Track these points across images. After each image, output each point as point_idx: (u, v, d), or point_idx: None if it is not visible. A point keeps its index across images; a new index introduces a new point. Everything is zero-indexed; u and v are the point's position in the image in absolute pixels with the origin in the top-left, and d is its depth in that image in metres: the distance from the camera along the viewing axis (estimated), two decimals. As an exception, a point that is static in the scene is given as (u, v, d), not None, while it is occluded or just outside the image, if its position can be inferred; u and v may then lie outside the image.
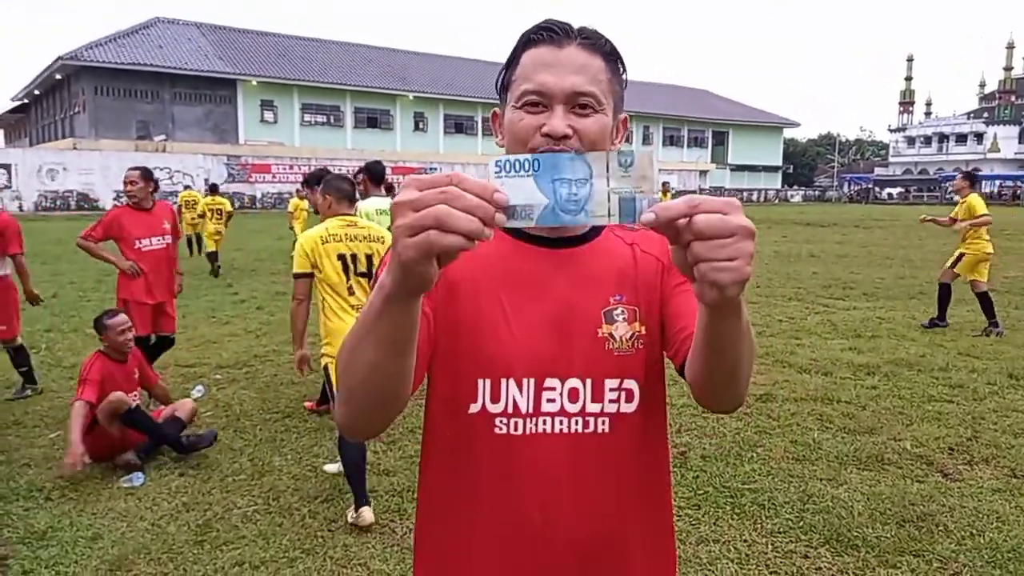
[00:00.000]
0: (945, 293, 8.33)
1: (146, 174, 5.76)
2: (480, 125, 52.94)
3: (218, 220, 13.82)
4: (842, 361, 6.69)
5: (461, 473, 1.13)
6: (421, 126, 50.89)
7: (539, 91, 1.06)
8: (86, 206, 36.45)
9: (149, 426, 4.38)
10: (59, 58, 39.62)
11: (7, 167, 35.22)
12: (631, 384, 1.11)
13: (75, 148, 38.05)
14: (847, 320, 8.77)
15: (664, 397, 1.18)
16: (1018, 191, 63.08)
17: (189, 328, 8.16)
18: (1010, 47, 77.95)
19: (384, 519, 3.67)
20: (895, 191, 71.59)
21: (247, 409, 5.43)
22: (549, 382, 1.08)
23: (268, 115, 45.09)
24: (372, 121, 48.94)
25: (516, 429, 1.08)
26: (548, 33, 1.08)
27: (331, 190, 4.02)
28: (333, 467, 4.23)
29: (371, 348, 0.86)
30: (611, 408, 1.10)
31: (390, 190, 8.85)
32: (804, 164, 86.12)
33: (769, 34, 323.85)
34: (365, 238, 3.87)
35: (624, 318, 1.11)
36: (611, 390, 1.10)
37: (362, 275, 3.83)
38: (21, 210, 35.12)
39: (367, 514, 3.56)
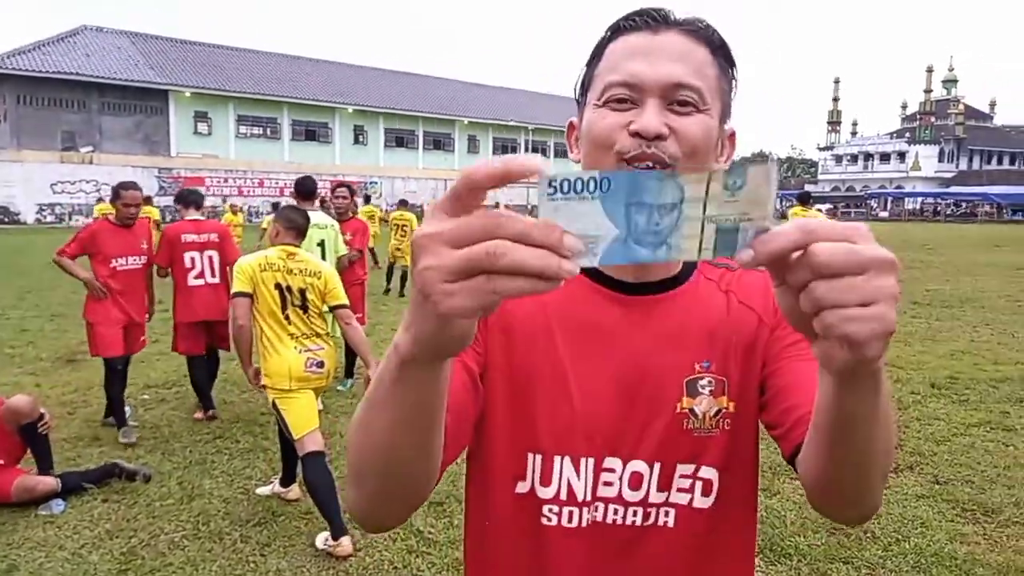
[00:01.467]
0: None
1: (144, 196, 5.55)
2: (421, 139, 52.84)
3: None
4: (775, 373, 6.86)
5: (504, 564, 0.96)
6: (361, 139, 50.46)
7: (629, 82, 0.85)
8: (6, 220, 34.89)
9: (44, 454, 4.12)
10: (-22, 65, 37.90)
11: (-81, 178, 33.47)
12: (709, 473, 0.90)
13: (-5, 159, 36.41)
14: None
15: (754, 492, 0.97)
16: (938, 208, 66.31)
17: (116, 346, 7.83)
18: (929, 70, 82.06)
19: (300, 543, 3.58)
20: (824, 207, 74.31)
21: (176, 430, 5.25)
22: (609, 462, 0.90)
23: (202, 127, 44.02)
24: (310, 134, 48.30)
25: (569, 521, 0.90)
26: (643, 19, 0.88)
27: (281, 220, 3.95)
28: (266, 489, 4.11)
29: (386, 425, 0.66)
30: (680, 499, 0.90)
31: (323, 204, 8.78)
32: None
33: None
34: (301, 272, 3.79)
35: (710, 391, 0.89)
36: (682, 477, 0.90)
37: (297, 306, 3.75)
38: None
39: (347, 543, 3.43)
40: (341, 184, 6.81)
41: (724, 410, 0.90)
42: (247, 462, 4.61)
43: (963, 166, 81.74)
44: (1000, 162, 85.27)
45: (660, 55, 0.85)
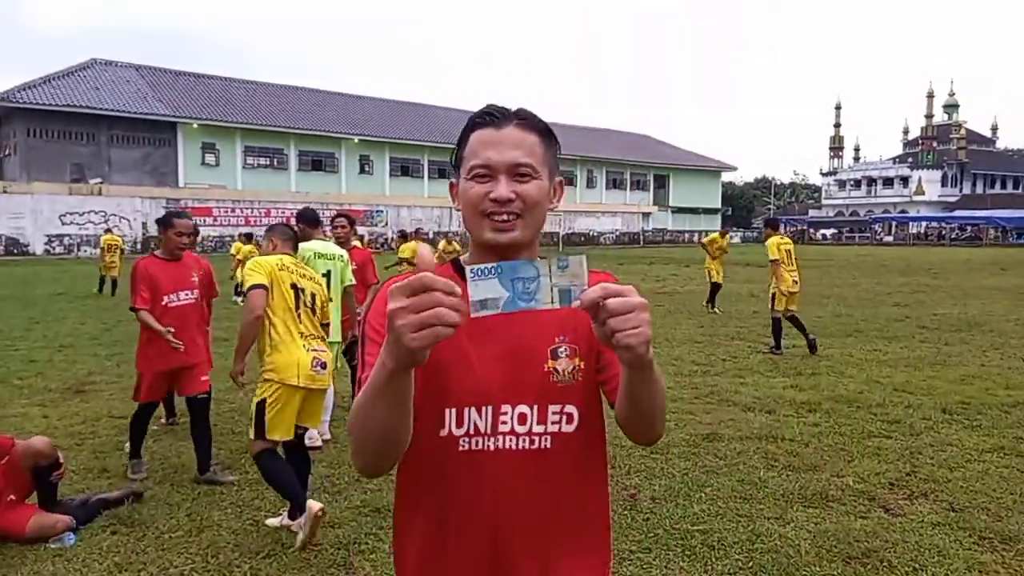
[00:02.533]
0: (777, 327, 9.59)
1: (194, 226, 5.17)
2: (426, 168, 53.21)
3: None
4: (784, 399, 6.83)
5: (432, 485, 1.35)
6: (367, 168, 50.87)
7: (485, 165, 1.29)
8: (15, 251, 35.15)
9: (50, 495, 4.14)
10: (-10, 99, 38.43)
11: (-70, 210, 33.80)
12: (571, 409, 1.33)
13: (5, 192, 36.74)
14: (787, 358, 8.98)
15: (601, 419, 1.39)
16: (943, 232, 66.13)
17: (124, 377, 7.85)
18: (930, 96, 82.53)
19: (329, 573, 3.55)
20: (829, 232, 74.38)
21: (185, 461, 5.22)
22: (503, 408, 1.31)
23: (209, 158, 44.48)
24: (317, 164, 48.74)
25: (477, 446, 1.31)
26: (490, 117, 1.32)
27: (276, 234, 4.39)
28: (275, 521, 4.09)
29: (382, 411, 1.10)
30: (553, 428, 1.32)
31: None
32: (742, 206, 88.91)
33: (707, 81, 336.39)
34: (310, 278, 4.25)
35: (567, 354, 1.33)
36: (554, 413, 1.33)
37: (308, 307, 4.08)
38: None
39: (314, 505, 3.71)
40: (340, 214, 6.68)
41: (577, 367, 1.33)
42: (256, 493, 4.59)
43: (967, 190, 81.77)
44: (1004, 186, 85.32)
45: (504, 145, 1.29)
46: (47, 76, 41.35)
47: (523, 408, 1.31)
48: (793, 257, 9.91)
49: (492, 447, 1.30)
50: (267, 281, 3.91)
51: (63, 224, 36.62)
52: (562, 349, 1.33)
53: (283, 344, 3.90)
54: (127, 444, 5.55)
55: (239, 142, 45.47)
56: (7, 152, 41.30)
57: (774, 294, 9.72)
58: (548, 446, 1.32)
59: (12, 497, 4.00)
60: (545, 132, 1.35)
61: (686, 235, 64.94)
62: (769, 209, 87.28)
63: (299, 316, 3.96)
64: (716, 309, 14.03)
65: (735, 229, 72.88)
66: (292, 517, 3.98)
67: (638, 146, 68.59)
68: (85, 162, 40.48)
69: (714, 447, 5.39)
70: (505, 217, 1.29)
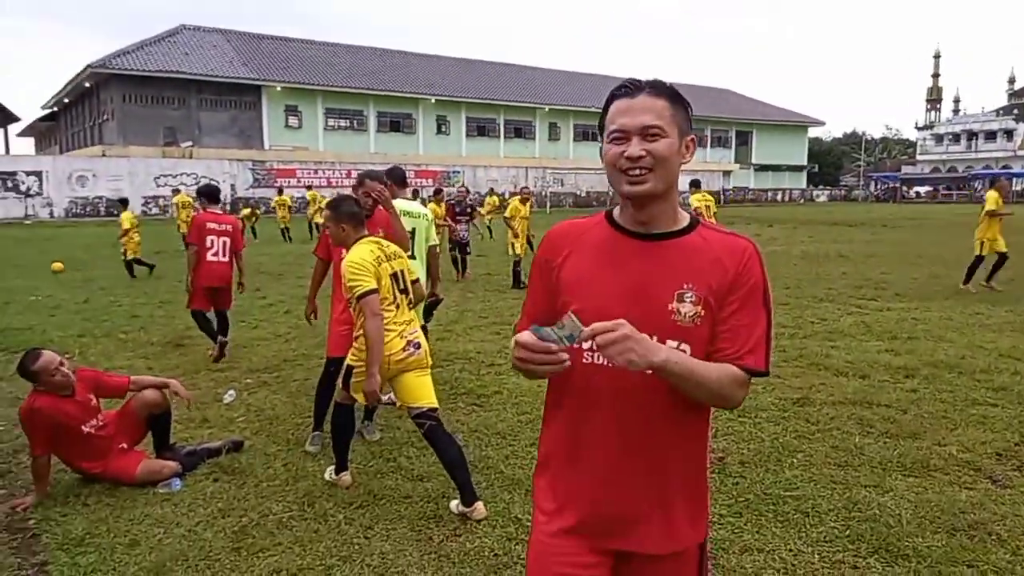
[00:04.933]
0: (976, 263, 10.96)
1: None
2: (502, 127, 52.99)
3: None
4: (879, 363, 6.55)
5: (564, 391, 1.65)
6: (443, 129, 51.03)
7: (620, 129, 1.55)
8: (115, 212, 37.00)
9: (164, 439, 4.45)
10: (88, 66, 40.28)
11: (38, 174, 35.86)
12: (686, 348, 1.54)
13: (104, 155, 38.64)
14: (881, 321, 8.60)
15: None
16: (1051, 188, 61.77)
17: (219, 332, 8.19)
18: (1041, 42, 76.36)
19: (420, 526, 3.63)
20: (923, 190, 70.48)
21: (279, 413, 5.43)
22: None
23: (292, 120, 45.48)
24: (395, 125, 49.19)
25: (599, 359, 1.54)
26: (625, 89, 1.58)
27: (344, 219, 4.02)
28: (326, 474, 4.25)
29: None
30: None
31: (416, 194, 8.83)
32: (830, 163, 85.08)
33: (792, 31, 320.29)
34: (395, 255, 4.02)
35: (691, 300, 1.54)
36: (670, 346, 1.52)
37: (402, 291, 3.95)
38: (52, 216, 35.73)
39: (346, 478, 4.09)
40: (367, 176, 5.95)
41: (698, 314, 1.54)
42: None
43: (1081, 143, 75.83)
44: (1124, 138, 78.65)
45: (636, 111, 1.54)
46: (140, 43, 42.93)
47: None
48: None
49: (611, 363, 1.44)
50: (375, 282, 3.76)
51: (157, 186, 38.25)
52: (688, 295, 1.53)
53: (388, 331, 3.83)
54: (226, 395, 5.82)
55: (320, 104, 46.28)
56: (105, 117, 43.26)
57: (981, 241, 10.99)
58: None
59: (124, 445, 4.24)
60: (674, 97, 1.56)
61: (769, 194, 62.80)
62: (859, 166, 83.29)
63: (397, 306, 3.89)
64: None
65: (821, 187, 70.16)
66: (337, 472, 4.16)
67: (719, 101, 66.27)
68: (176, 126, 42.06)
69: (805, 412, 5.23)
70: (637, 172, 1.52)
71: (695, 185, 14.04)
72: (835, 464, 4.28)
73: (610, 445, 1.59)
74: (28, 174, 35.69)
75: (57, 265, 13.77)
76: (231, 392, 5.90)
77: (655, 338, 1.49)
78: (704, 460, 1.70)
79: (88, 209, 36.61)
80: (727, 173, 61.66)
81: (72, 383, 4.04)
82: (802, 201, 62.92)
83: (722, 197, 58.92)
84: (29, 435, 3.97)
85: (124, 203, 15.52)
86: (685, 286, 1.53)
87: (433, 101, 49.46)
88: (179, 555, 3.35)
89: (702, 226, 1.61)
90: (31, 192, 35.40)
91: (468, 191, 15.98)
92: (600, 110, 1.65)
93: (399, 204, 5.63)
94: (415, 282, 4.17)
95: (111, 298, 11.17)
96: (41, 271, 14.53)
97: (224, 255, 7.17)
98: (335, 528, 3.62)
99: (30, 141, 66.10)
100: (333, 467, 4.20)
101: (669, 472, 1.62)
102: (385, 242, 4.10)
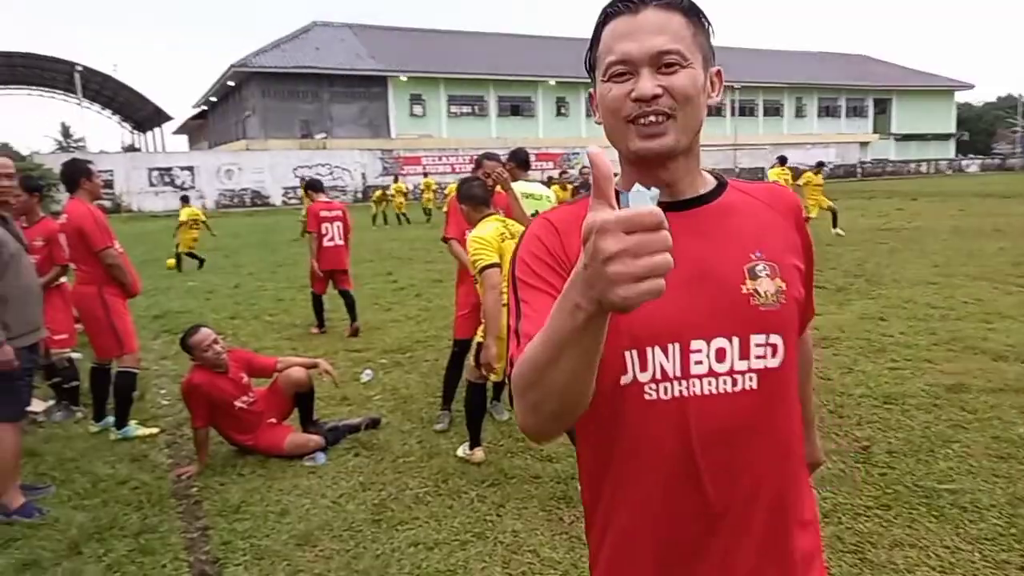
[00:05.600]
0: None
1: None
2: (623, 107, 52.09)
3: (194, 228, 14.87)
4: (1047, 348, 5.96)
5: (617, 442, 1.13)
6: (563, 111, 50.86)
7: (623, 60, 1.07)
8: (259, 202, 39.43)
9: (309, 415, 4.72)
10: (232, 66, 43.11)
11: (191, 169, 38.77)
12: (776, 339, 1.11)
13: (247, 149, 41.28)
14: (1049, 302, 7.82)
15: (797, 347, 1.19)
16: None
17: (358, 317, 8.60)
18: None
19: (550, 506, 3.67)
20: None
21: (412, 392, 5.63)
22: (695, 344, 1.08)
23: (417, 109, 46.75)
24: (515, 109, 49.52)
25: (666, 393, 1.08)
26: (623, 4, 1.09)
27: (464, 200, 4.32)
28: (459, 451, 4.38)
29: (568, 365, 0.86)
30: (758, 364, 1.10)
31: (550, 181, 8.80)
32: (981, 130, 78.00)
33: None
34: (519, 234, 4.02)
35: (767, 273, 1.12)
36: (758, 346, 1.10)
37: None
38: (204, 208, 38.61)
39: (479, 453, 4.24)
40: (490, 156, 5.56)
41: (780, 288, 1.12)
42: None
43: None
44: None
45: (642, 32, 1.06)
46: (276, 41, 45.44)
47: (720, 342, 1.08)
48: None
49: (685, 393, 1.08)
50: (497, 258, 3.89)
51: (295, 177, 40.44)
52: (760, 267, 1.12)
53: (501, 312, 3.90)
54: (363, 375, 6.11)
55: (443, 91, 47.29)
56: (247, 113, 46.17)
57: None
58: (754, 387, 1.09)
59: (273, 420, 4.54)
60: (692, 11, 1.11)
61: (911, 165, 58.44)
62: (1015, 132, 75.81)
63: None
64: None
65: (971, 156, 64.47)
66: (471, 448, 4.31)
67: (855, 68, 62.21)
68: (311, 119, 44.27)
69: (960, 399, 4.85)
70: (653, 118, 1.07)
71: (782, 162, 13.73)
72: (996, 456, 3.95)
73: (702, 527, 1.11)
74: (182, 169, 38.64)
75: (170, 262, 14.62)
76: (368, 372, 6.17)
77: (736, 340, 1.09)
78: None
79: (235, 200, 39.22)
80: (864, 144, 57.89)
81: (224, 361, 4.38)
82: (950, 172, 58.06)
83: (860, 170, 55.44)
84: (190, 408, 4.33)
85: (185, 200, 16.11)
86: (753, 256, 1.12)
87: (553, 83, 49.35)
88: (325, 525, 3.56)
89: (731, 181, 1.24)
90: (185, 186, 38.31)
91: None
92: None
93: (520, 187, 5.66)
94: None
95: (258, 283, 11.94)
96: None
97: (340, 239, 7.85)
98: (468, 505, 3.73)
99: (184, 139, 71.64)
100: (466, 444, 4.33)
101: (794, 548, 1.16)
102: (510, 221, 4.23)
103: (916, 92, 62.48)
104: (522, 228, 4.23)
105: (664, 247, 0.73)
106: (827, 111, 59.94)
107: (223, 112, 53.73)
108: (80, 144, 56.56)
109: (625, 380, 1.08)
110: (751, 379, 1.09)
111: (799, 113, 58.45)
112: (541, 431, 0.98)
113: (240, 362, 4.55)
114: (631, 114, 1.07)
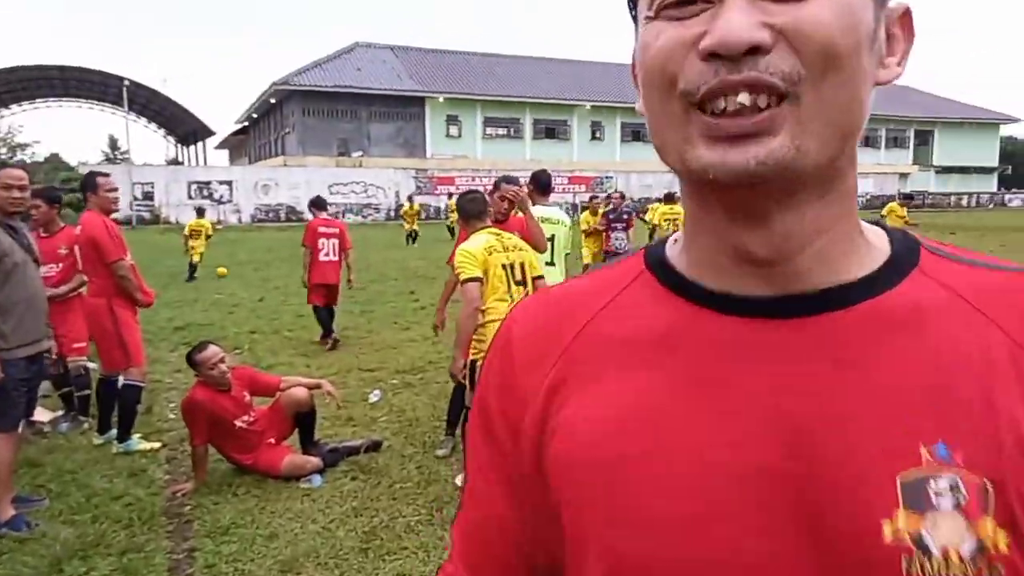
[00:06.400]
0: None
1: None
2: (659, 132, 51.89)
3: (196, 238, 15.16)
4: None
5: None
6: (598, 135, 50.87)
7: None
8: (294, 218, 39.96)
9: (309, 438, 4.64)
10: (273, 84, 43.97)
11: (229, 183, 39.49)
12: None
13: (285, 165, 41.97)
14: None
15: None
16: None
17: (373, 333, 8.58)
18: None
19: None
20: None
21: (419, 415, 5.55)
22: None
23: (453, 130, 47.14)
24: (550, 132, 49.66)
25: None
26: None
27: (460, 215, 4.52)
28: (459, 479, 4.22)
29: None
30: None
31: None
32: (1027, 164, 76.17)
33: (981, 18, 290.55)
34: (514, 247, 4.17)
35: (956, 503, 0.47)
36: None
37: (518, 283, 4.03)
38: (239, 222, 39.29)
39: None
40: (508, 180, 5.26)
41: (988, 547, 0.46)
42: (480, 453, 4.72)
43: None
44: None
45: None
46: (317, 60, 46.28)
47: None
48: None
49: None
50: (481, 272, 3.94)
51: (331, 194, 40.93)
52: (944, 483, 0.48)
53: (493, 325, 3.93)
54: (372, 395, 6.05)
55: (479, 113, 47.64)
56: (287, 130, 46.99)
57: None
58: None
59: (272, 439, 4.49)
60: None
61: (952, 198, 57.22)
62: (1068, 167, 73.87)
63: (511, 297, 4.02)
64: None
65: (1015, 191, 62.94)
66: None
67: (897, 98, 61.14)
68: (349, 137, 44.89)
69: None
70: (745, 98, 0.48)
71: (669, 199, 11.99)
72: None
73: None
74: (220, 183, 39.36)
75: (221, 270, 14.92)
76: (377, 392, 6.11)
77: None
78: None
79: (271, 215, 39.80)
80: (904, 175, 56.89)
81: (228, 380, 4.34)
82: (992, 206, 56.75)
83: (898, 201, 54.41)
84: (189, 425, 4.29)
85: (200, 212, 16.29)
86: (926, 453, 0.48)
87: (588, 107, 49.44)
88: (311, 551, 3.47)
89: (926, 254, 0.57)
90: (223, 200, 38.98)
91: (623, 197, 13.68)
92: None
93: (537, 211, 5.60)
94: (538, 278, 4.20)
95: (282, 298, 12.01)
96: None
97: (334, 255, 8.44)
98: (460, 536, 3.61)
99: (224, 153, 73.17)
100: (464, 473, 4.22)
101: None
102: (506, 234, 4.24)
103: (960, 124, 61.33)
104: (519, 241, 4.27)
105: None
106: (866, 141, 58.27)
107: (264, 128, 54.76)
108: (126, 156, 58.05)
109: None
110: None
111: (838, 142, 57.68)
112: None
113: (243, 380, 4.52)
114: (698, 87, 0.49)
